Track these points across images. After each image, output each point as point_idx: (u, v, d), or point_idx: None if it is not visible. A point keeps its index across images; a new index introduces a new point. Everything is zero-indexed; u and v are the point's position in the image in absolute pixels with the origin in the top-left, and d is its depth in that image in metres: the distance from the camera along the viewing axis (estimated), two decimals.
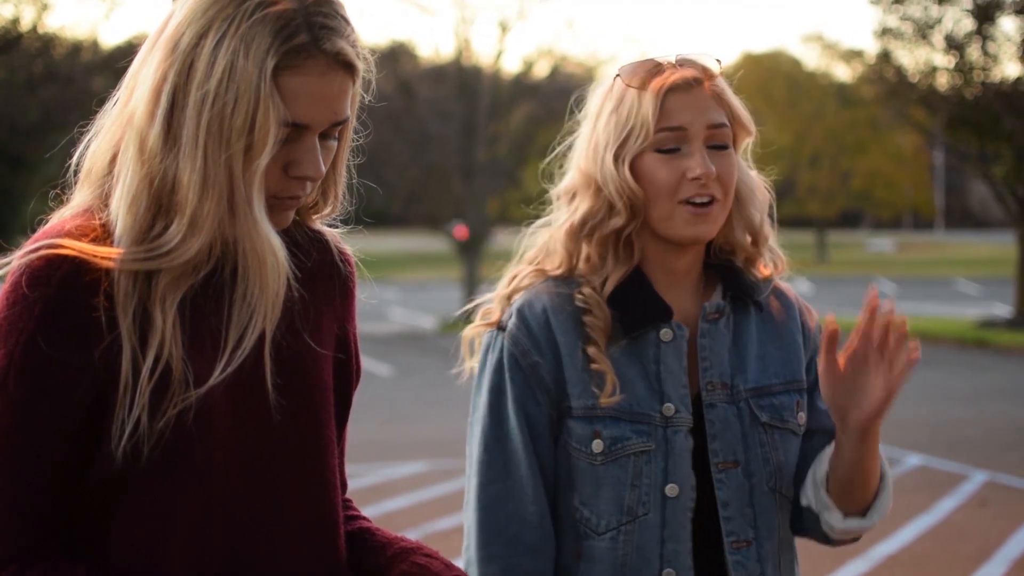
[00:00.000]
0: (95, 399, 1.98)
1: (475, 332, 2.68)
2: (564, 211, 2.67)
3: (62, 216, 2.07)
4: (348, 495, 2.39)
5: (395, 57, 42.06)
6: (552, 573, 2.56)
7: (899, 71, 29.79)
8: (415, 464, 12.36)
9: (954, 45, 28.50)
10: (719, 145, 2.58)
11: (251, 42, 1.94)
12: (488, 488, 2.57)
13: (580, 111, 2.69)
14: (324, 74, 2.00)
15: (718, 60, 2.63)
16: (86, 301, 1.95)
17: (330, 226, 2.30)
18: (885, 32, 29.84)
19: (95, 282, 1.96)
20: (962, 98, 28.46)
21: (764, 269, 2.71)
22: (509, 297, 2.66)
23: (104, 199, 2.04)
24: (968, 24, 28.47)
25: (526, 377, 2.57)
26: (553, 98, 35.48)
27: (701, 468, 2.57)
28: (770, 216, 2.76)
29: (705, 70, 2.60)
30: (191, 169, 1.95)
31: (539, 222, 2.73)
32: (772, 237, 2.74)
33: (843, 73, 56.12)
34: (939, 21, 28.85)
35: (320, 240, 2.25)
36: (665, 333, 2.58)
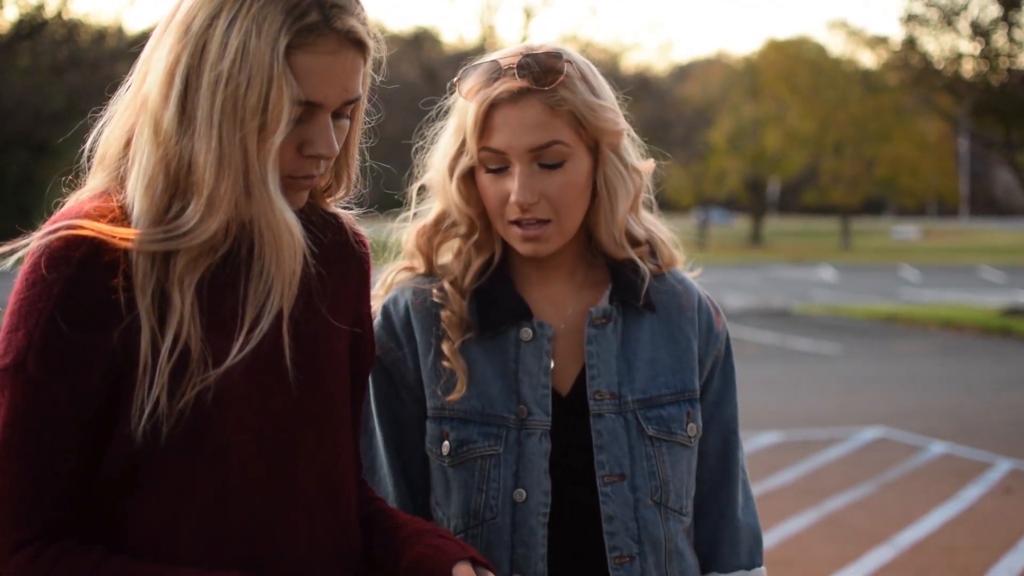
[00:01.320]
0: (113, 380, 1.99)
1: None
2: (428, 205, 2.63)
3: (79, 198, 2.08)
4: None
5: (419, 43, 41.99)
6: None
7: (924, 58, 29.66)
8: None
9: (980, 32, 28.36)
10: (550, 164, 2.44)
11: (263, 22, 1.96)
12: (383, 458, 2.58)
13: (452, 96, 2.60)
14: (336, 52, 2.01)
15: (568, 61, 2.48)
16: (105, 282, 1.96)
17: (344, 209, 2.31)
18: (911, 18, 29.71)
19: (114, 263, 1.97)
20: (988, 85, 28.31)
21: (661, 262, 2.62)
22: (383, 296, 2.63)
23: (120, 182, 2.06)
24: (994, 11, 28.32)
25: (389, 375, 2.54)
26: None
27: (582, 477, 2.49)
28: (648, 206, 2.66)
29: (540, 77, 2.44)
30: (206, 149, 1.96)
31: (404, 216, 2.67)
32: (660, 230, 2.65)
33: (868, 60, 56.00)
34: (965, 7, 28.71)
35: (335, 222, 2.26)
36: (525, 332, 2.51)
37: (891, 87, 45.19)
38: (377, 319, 2.56)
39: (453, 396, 2.48)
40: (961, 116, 31.64)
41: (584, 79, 2.49)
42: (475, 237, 2.55)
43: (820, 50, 61.83)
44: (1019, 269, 42.38)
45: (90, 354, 1.97)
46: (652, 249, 2.62)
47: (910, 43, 30.04)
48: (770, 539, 8.73)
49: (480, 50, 39.15)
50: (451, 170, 2.51)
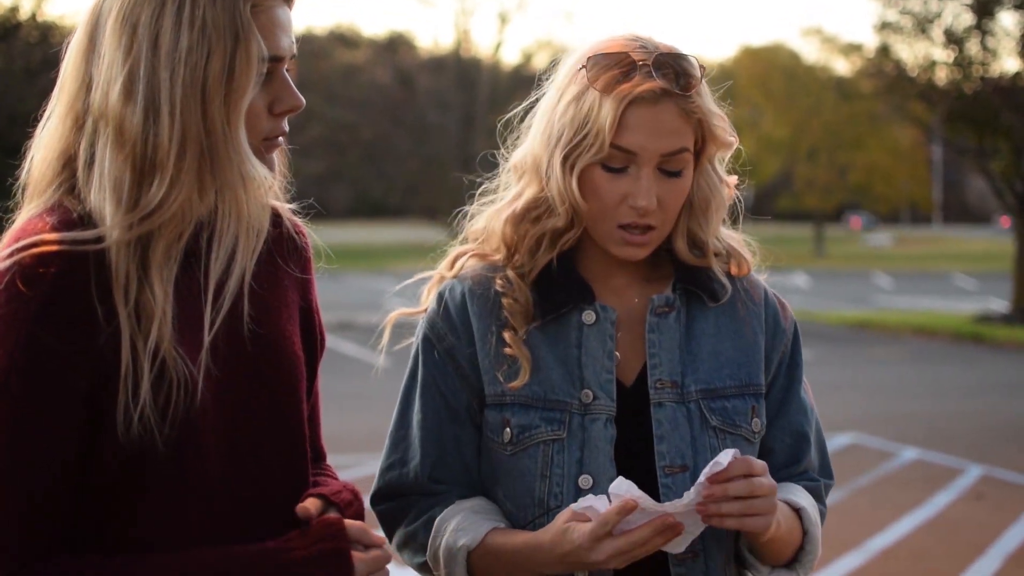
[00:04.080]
0: (96, 390, 1.98)
1: (403, 313, 2.62)
2: (511, 189, 2.55)
3: (30, 217, 2.06)
4: (346, 477, 2.41)
5: (394, 48, 42.04)
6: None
7: (898, 65, 29.76)
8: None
9: (953, 39, 28.46)
10: (671, 172, 2.41)
11: None
12: (386, 474, 2.55)
13: (549, 79, 2.55)
14: (280, 5, 2.08)
15: (702, 66, 2.46)
16: (81, 293, 1.96)
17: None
18: (884, 26, 29.82)
19: (87, 272, 1.97)
20: (961, 93, 28.41)
21: (732, 267, 2.57)
22: (441, 280, 2.57)
23: (74, 194, 2.05)
24: (967, 19, 28.43)
25: (442, 361, 2.49)
26: None
27: (645, 469, 2.40)
28: (734, 218, 2.62)
29: (679, 80, 2.40)
30: (169, 128, 1.97)
31: (484, 199, 2.61)
32: (734, 240, 2.60)
33: (842, 67, 56.17)
34: (938, 15, 28.83)
35: (274, 214, 2.26)
36: (587, 315, 2.45)
37: (865, 94, 45.37)
38: (431, 306, 2.53)
39: (516, 383, 2.42)
40: (934, 124, 31.78)
41: (706, 87, 2.47)
42: (571, 233, 2.46)
43: (794, 57, 62.01)
44: (991, 276, 42.51)
45: (72, 369, 1.97)
46: (727, 259, 2.57)
47: (884, 51, 30.17)
48: None
49: (455, 54, 39.21)
50: (570, 162, 2.41)
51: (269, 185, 2.10)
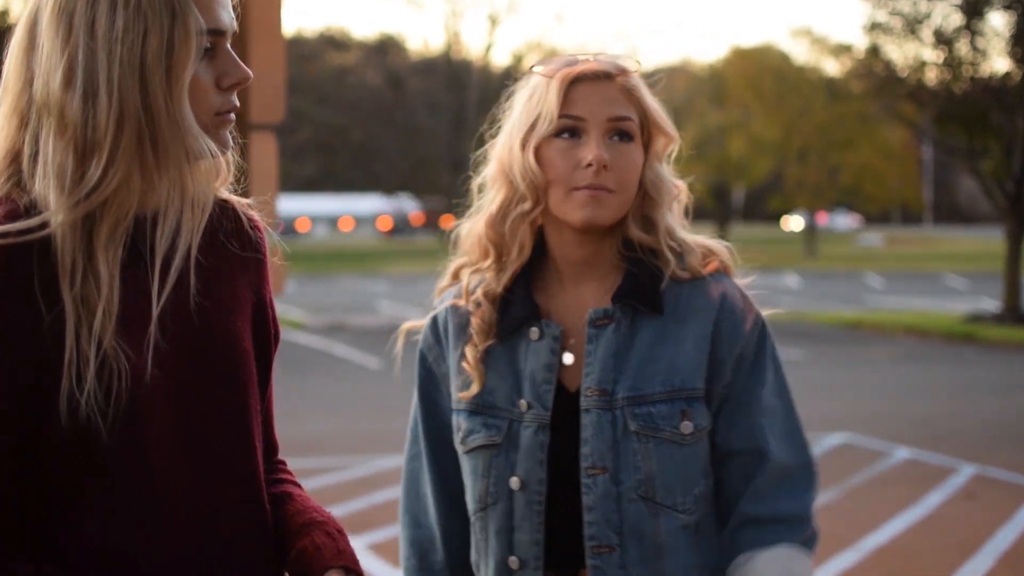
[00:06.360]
0: (39, 376, 2.00)
1: (409, 326, 2.87)
2: (487, 198, 2.75)
3: None
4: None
5: (384, 50, 42.07)
6: (441, 543, 2.80)
7: (888, 66, 29.79)
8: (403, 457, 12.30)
9: (943, 40, 28.49)
10: (621, 136, 2.65)
11: None
12: (409, 464, 2.86)
13: (507, 103, 2.77)
14: None
15: (638, 62, 2.71)
16: (24, 287, 1.98)
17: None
18: (874, 27, 29.84)
19: (29, 265, 1.99)
20: (951, 93, 28.45)
21: (691, 267, 2.69)
22: (441, 293, 2.84)
23: (20, 187, 2.06)
24: (957, 19, 28.46)
25: (433, 370, 2.79)
26: None
27: (572, 470, 2.62)
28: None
29: (618, 67, 2.67)
30: (107, 108, 2.00)
31: (468, 214, 2.81)
32: (699, 241, 2.73)
33: (832, 68, 56.21)
34: (928, 16, 28.85)
35: (228, 207, 2.26)
36: (533, 332, 2.67)
37: (855, 95, 45.38)
38: (428, 318, 2.81)
39: (465, 394, 2.69)
40: (925, 124, 31.81)
41: (643, 83, 2.73)
42: (537, 209, 2.67)
43: (784, 58, 62.01)
44: (982, 276, 42.56)
45: (17, 362, 1.99)
46: (682, 256, 2.70)
47: (874, 51, 30.18)
48: None
49: (445, 57, 39.23)
50: (523, 143, 2.65)
51: (215, 159, 2.12)
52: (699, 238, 2.74)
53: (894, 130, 53.20)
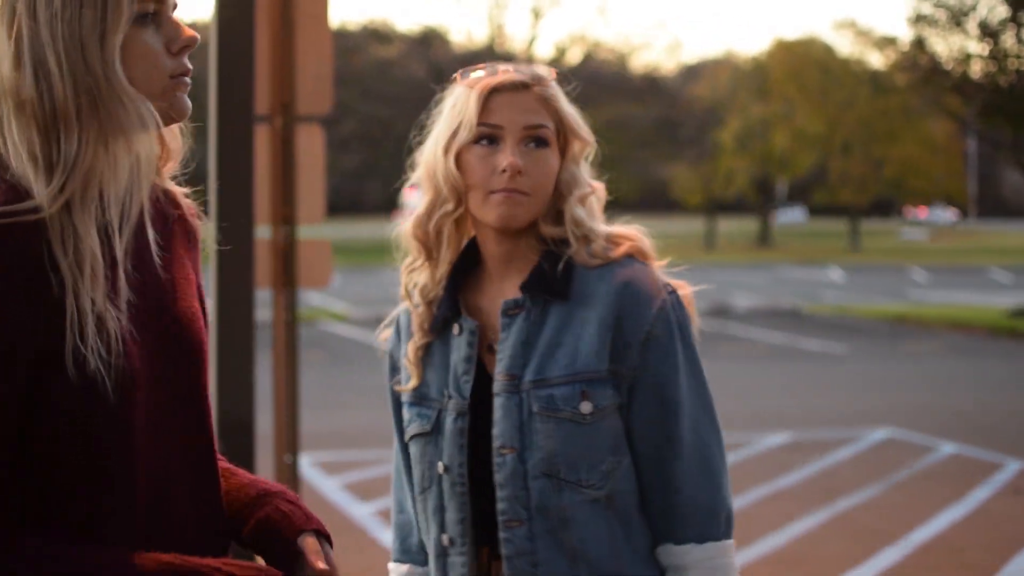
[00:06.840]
0: (46, 341, 2.05)
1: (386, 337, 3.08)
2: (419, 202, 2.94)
3: None
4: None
5: (428, 43, 42.09)
6: (417, 527, 2.98)
7: (933, 58, 29.66)
8: None
9: (988, 32, 28.36)
10: (537, 142, 2.82)
11: None
12: (396, 456, 3.05)
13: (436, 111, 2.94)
14: None
15: (554, 70, 2.92)
16: (23, 267, 2.03)
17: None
18: (919, 19, 29.72)
19: (26, 242, 2.04)
20: (996, 86, 28.31)
21: (597, 252, 2.84)
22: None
23: (4, 167, 2.12)
24: (1003, 11, 28.33)
25: (396, 366, 3.00)
26: (586, 84, 35.53)
27: (487, 450, 2.81)
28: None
29: (534, 77, 2.86)
30: (60, 81, 2.07)
31: (405, 215, 2.99)
32: (610, 230, 2.87)
33: (876, 60, 56.02)
34: (973, 8, 28.72)
35: (171, 196, 2.33)
36: (455, 328, 2.88)
37: (899, 88, 45.19)
38: (394, 319, 3.02)
39: (403, 388, 2.94)
40: (969, 117, 31.67)
41: (564, 95, 2.90)
42: (459, 210, 2.86)
43: (828, 50, 61.77)
44: None
45: (21, 341, 2.03)
46: (587, 243, 2.85)
47: (918, 44, 30.05)
48: (780, 538, 8.76)
49: (489, 49, 39.16)
50: (446, 149, 2.83)
51: (159, 130, 2.18)
52: (614, 228, 2.90)
53: (938, 123, 52.99)
